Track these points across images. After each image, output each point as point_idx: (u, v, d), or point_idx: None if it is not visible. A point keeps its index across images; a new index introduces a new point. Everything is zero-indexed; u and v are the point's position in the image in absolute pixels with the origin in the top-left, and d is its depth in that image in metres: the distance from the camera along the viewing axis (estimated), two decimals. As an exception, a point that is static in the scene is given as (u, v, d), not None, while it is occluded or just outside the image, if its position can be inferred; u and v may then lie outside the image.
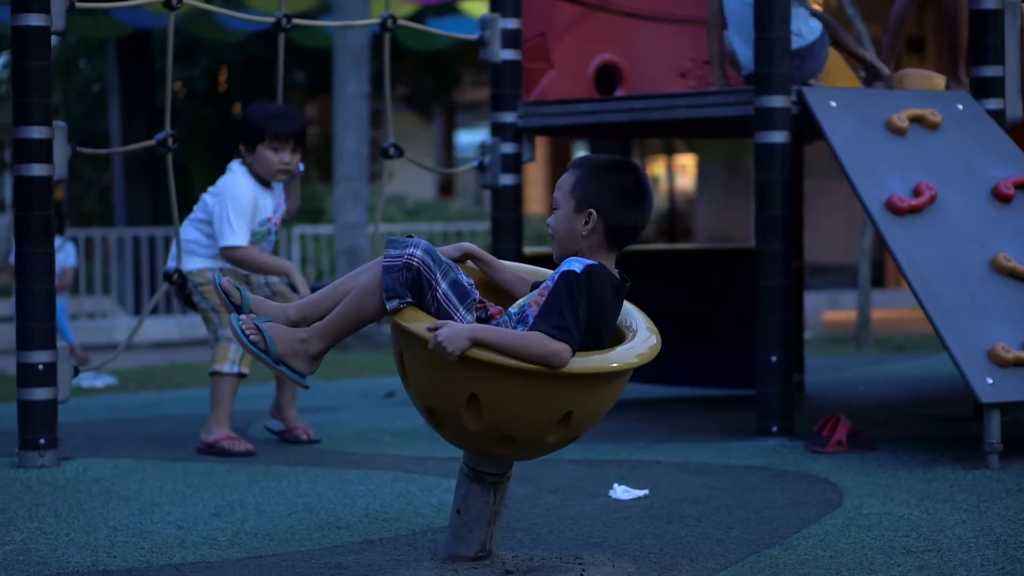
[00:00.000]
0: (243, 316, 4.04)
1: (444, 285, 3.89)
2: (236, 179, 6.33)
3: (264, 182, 6.37)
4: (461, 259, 4.16)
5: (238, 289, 4.09)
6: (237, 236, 6.23)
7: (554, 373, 3.78)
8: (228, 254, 6.25)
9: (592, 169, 4.02)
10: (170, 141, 6.23)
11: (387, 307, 3.87)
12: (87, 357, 12.38)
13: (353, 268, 13.70)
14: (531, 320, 3.88)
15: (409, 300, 3.88)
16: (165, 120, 6.32)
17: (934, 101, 6.58)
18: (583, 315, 3.84)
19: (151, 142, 6.32)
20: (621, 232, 3.98)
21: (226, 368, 6.21)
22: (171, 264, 6.36)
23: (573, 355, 3.80)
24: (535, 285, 4.10)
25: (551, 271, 4.17)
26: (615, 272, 3.97)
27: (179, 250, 6.31)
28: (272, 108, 6.46)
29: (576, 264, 3.89)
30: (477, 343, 3.77)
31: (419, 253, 3.86)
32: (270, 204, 6.41)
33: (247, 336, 4.00)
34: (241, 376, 6.25)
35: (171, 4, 6.22)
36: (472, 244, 4.22)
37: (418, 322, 3.84)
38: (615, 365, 3.85)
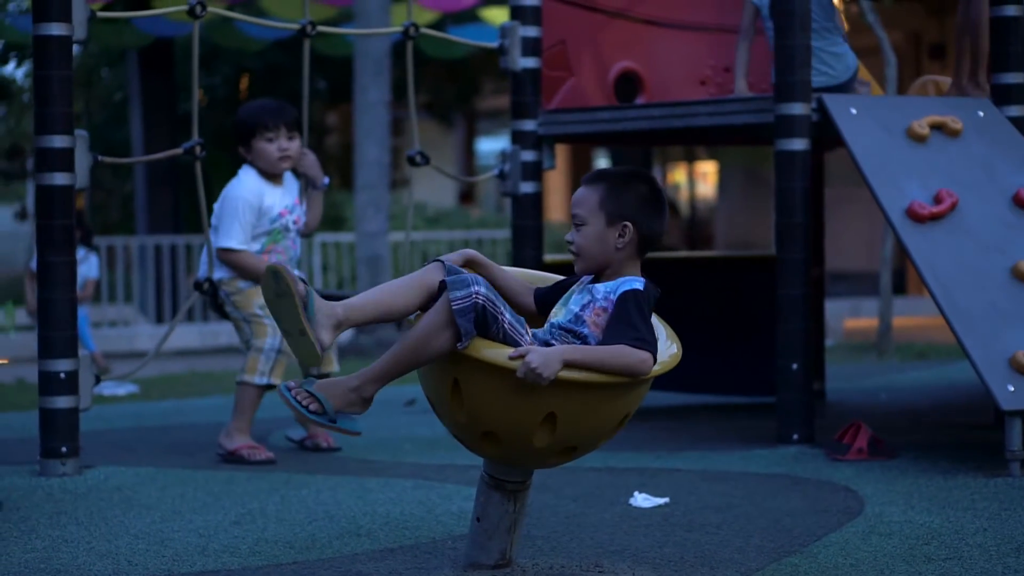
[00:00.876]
0: (291, 385, 4.01)
1: (508, 316, 3.90)
2: (240, 179, 6.38)
3: (272, 177, 6.40)
4: (464, 265, 4.17)
5: (303, 281, 4.03)
6: (232, 238, 6.27)
7: (624, 381, 3.84)
8: (222, 256, 6.28)
9: (616, 182, 4.03)
10: (198, 149, 6.24)
11: (459, 346, 3.84)
12: (108, 366, 12.40)
13: (374, 277, 13.75)
14: (591, 339, 3.93)
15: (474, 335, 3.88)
16: (192, 128, 6.34)
17: (955, 108, 6.57)
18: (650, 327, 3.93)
19: (177, 150, 6.35)
20: (651, 241, 4.04)
21: (256, 379, 6.21)
22: (202, 272, 6.38)
23: (655, 363, 3.88)
24: (538, 291, 4.14)
25: (556, 276, 4.22)
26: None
27: (211, 258, 6.33)
28: (258, 103, 6.56)
29: (636, 283, 3.95)
30: (569, 364, 3.81)
31: (483, 290, 3.85)
32: (281, 200, 6.41)
33: (307, 408, 3.97)
34: (270, 387, 6.26)
35: (195, 12, 6.25)
36: (474, 250, 4.22)
37: (490, 350, 3.83)
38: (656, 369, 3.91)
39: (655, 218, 4.03)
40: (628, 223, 3.99)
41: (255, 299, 6.28)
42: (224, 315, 6.46)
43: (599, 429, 3.96)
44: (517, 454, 3.97)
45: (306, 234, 6.65)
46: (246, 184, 6.36)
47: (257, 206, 6.33)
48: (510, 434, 3.89)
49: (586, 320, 3.96)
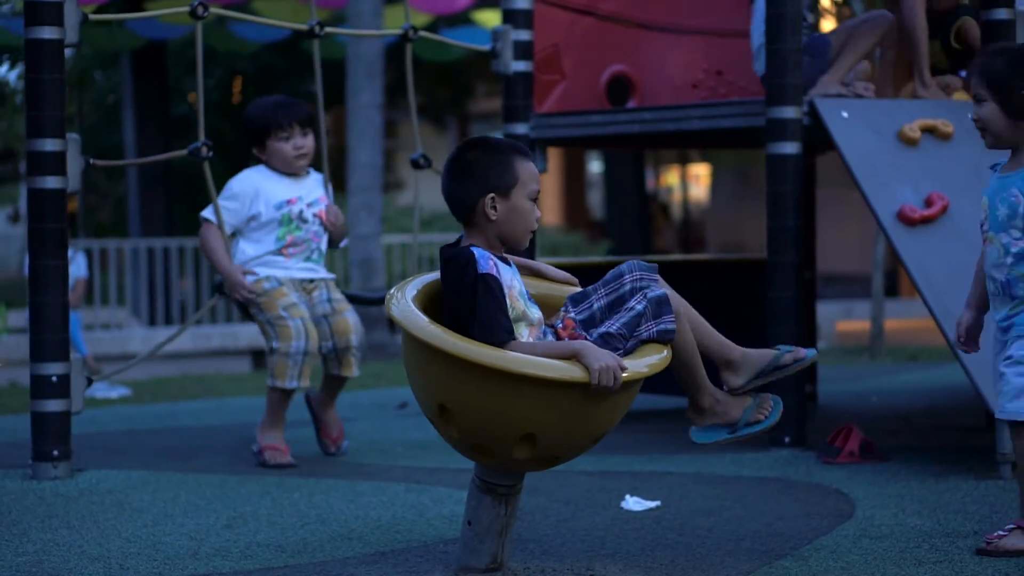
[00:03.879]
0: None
1: None
2: (241, 172, 6.41)
3: (288, 174, 6.38)
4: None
5: None
6: (208, 211, 6.32)
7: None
8: (203, 225, 6.34)
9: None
10: (204, 150, 6.22)
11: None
12: (99, 368, 12.39)
13: (367, 280, 13.75)
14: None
15: None
16: (199, 130, 6.29)
17: (946, 111, 6.58)
18: None
19: (182, 152, 6.33)
20: None
21: (287, 384, 6.12)
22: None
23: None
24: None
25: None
26: None
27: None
28: (268, 101, 6.51)
29: None
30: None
31: None
32: (291, 189, 6.37)
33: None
34: (299, 389, 6.23)
35: (197, 13, 6.22)
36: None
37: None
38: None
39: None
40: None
41: (280, 300, 6.21)
42: (250, 317, 6.40)
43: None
44: (506, 462, 3.99)
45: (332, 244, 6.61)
46: (243, 174, 6.39)
47: (250, 194, 6.30)
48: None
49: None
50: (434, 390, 3.90)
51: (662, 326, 3.98)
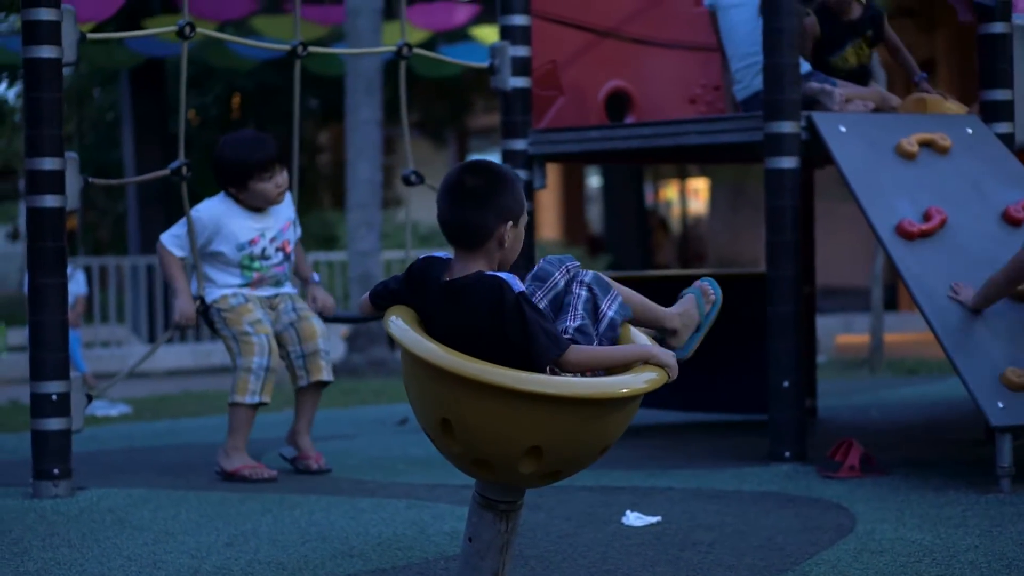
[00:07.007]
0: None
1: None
2: (208, 200, 6.42)
3: (257, 209, 6.40)
4: None
5: None
6: (170, 234, 6.37)
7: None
8: (158, 246, 6.38)
9: None
10: (184, 170, 6.25)
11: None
12: (96, 385, 12.38)
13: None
14: None
15: None
16: (179, 149, 6.35)
17: (944, 125, 6.59)
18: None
19: (164, 171, 6.35)
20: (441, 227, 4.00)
21: (248, 399, 6.21)
22: (193, 289, 6.39)
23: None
24: None
25: None
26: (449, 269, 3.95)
27: (199, 275, 6.34)
28: (242, 140, 6.45)
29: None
30: None
31: None
32: (255, 225, 6.41)
33: None
34: (262, 404, 6.28)
35: (184, 34, 6.26)
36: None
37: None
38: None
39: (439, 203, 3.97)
40: None
41: (245, 316, 6.28)
42: (216, 332, 6.47)
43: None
44: (507, 478, 3.97)
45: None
46: (205, 205, 6.41)
47: (209, 228, 6.34)
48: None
49: None
50: (436, 406, 3.89)
51: (617, 299, 3.99)
